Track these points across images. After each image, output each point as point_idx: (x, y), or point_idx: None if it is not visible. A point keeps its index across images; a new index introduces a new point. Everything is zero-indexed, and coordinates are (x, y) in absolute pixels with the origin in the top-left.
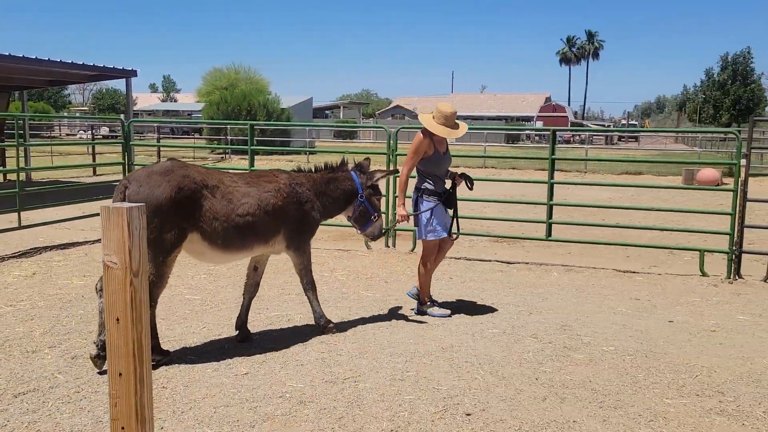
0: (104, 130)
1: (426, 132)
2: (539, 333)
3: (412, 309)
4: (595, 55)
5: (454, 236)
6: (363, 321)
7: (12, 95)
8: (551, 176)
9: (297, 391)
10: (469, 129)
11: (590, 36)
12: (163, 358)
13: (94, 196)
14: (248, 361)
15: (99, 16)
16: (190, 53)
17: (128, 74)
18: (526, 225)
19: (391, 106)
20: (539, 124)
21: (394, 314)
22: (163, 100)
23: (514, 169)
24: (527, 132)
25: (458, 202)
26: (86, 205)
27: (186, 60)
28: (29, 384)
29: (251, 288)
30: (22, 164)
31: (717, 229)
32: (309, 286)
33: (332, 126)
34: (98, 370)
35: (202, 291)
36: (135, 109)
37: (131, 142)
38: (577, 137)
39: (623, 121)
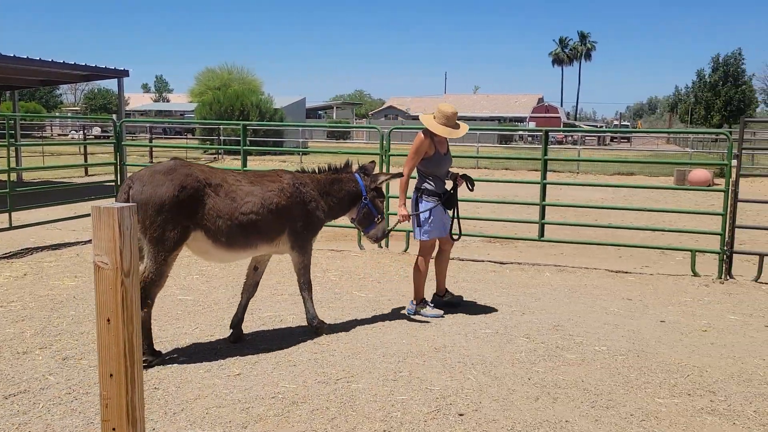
0: (96, 131)
1: (427, 132)
2: (532, 333)
3: (405, 309)
4: (588, 56)
5: (455, 237)
6: (356, 321)
7: (3, 95)
8: (544, 177)
9: (290, 392)
10: None
11: (582, 37)
12: (155, 358)
13: (85, 197)
14: (241, 362)
15: (91, 16)
16: (182, 53)
17: (120, 74)
18: (519, 225)
19: (384, 106)
20: (532, 125)
21: (386, 314)
22: (155, 100)
23: (506, 169)
24: (520, 133)
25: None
26: (78, 206)
27: (179, 60)
28: (20, 385)
29: (250, 288)
30: (13, 164)
31: (708, 229)
32: (306, 285)
33: (325, 126)
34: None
35: (194, 291)
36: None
37: (123, 143)
38: (570, 138)
39: (615, 122)
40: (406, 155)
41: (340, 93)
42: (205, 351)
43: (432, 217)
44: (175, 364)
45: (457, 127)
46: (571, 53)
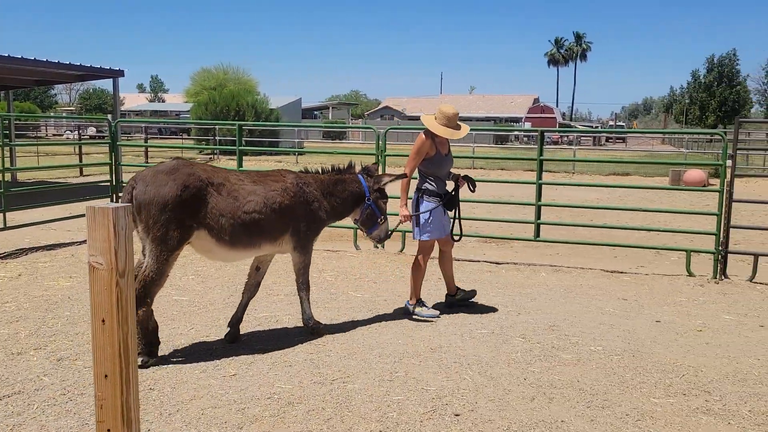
0: (91, 131)
1: (428, 133)
2: (527, 333)
3: (401, 309)
4: (583, 57)
5: (456, 238)
6: (352, 322)
7: None
8: (539, 177)
9: (285, 392)
10: None
11: (578, 38)
12: (150, 359)
13: (80, 197)
14: (236, 363)
15: (86, 16)
16: (178, 53)
17: (115, 74)
18: (515, 225)
19: (380, 106)
20: (527, 125)
21: (382, 315)
22: (150, 101)
23: (502, 169)
24: (516, 133)
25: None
26: (73, 206)
27: (174, 60)
28: (14, 386)
29: (252, 288)
30: (7, 164)
31: (703, 229)
32: (304, 285)
33: (321, 127)
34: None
35: (190, 292)
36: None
37: (118, 143)
38: (565, 138)
39: (611, 123)
40: (401, 155)
41: (336, 93)
42: (201, 351)
43: (432, 218)
44: (170, 365)
45: (458, 128)
46: (567, 54)
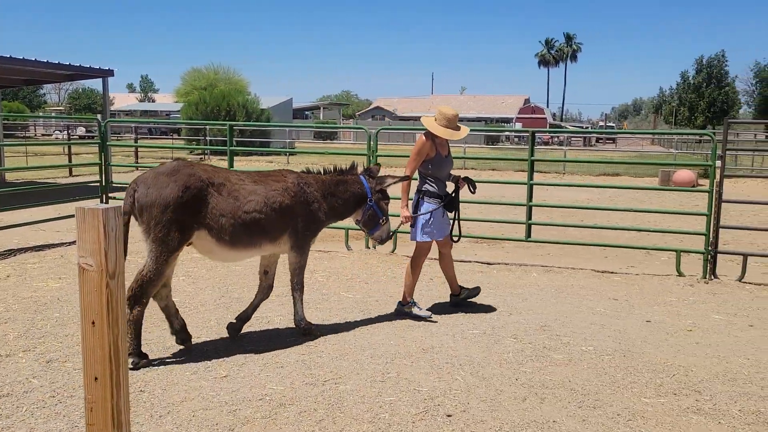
0: (80, 131)
1: (428, 134)
2: (519, 333)
3: (393, 310)
4: (573, 58)
5: (455, 239)
6: (343, 322)
7: None
8: (531, 177)
9: (277, 394)
10: None
11: (568, 38)
12: (140, 360)
13: (70, 197)
14: (227, 364)
15: (76, 16)
16: (168, 53)
17: (105, 74)
18: (506, 226)
19: (372, 107)
20: (518, 126)
21: (374, 315)
22: (140, 100)
23: (493, 170)
24: (506, 133)
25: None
26: (62, 207)
27: (164, 60)
28: (2, 389)
29: (265, 289)
30: None
31: (693, 229)
32: (298, 286)
33: (312, 127)
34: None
35: (181, 293)
36: (112, 109)
37: (108, 143)
38: (556, 139)
39: (601, 123)
40: (393, 156)
41: (327, 93)
42: (192, 353)
43: (432, 219)
44: (161, 366)
45: (458, 129)
46: (557, 54)
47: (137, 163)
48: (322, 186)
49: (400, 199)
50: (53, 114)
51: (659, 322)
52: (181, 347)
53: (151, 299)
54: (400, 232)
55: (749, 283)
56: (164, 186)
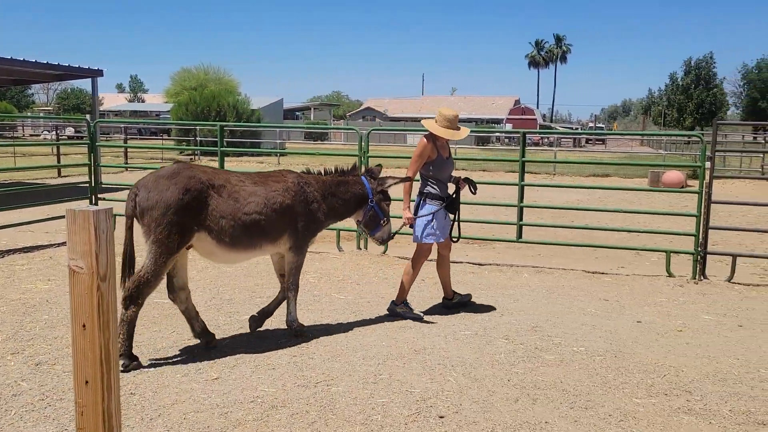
0: (69, 131)
1: (430, 137)
2: (511, 334)
3: (385, 311)
4: (563, 59)
5: (455, 240)
6: (335, 324)
7: None
8: (522, 178)
9: (269, 396)
10: None
11: (558, 40)
12: (131, 362)
13: (58, 198)
14: (219, 366)
15: (64, 15)
16: (158, 53)
17: (94, 74)
18: (497, 227)
19: (362, 107)
20: (509, 127)
21: (366, 317)
22: (130, 101)
23: (484, 171)
24: (497, 134)
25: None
26: (51, 208)
27: (154, 60)
28: None
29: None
30: None
31: (682, 230)
32: (293, 286)
33: (303, 127)
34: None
35: None
36: (101, 109)
37: (97, 143)
38: (546, 140)
39: (590, 124)
40: (384, 156)
41: (317, 94)
42: (183, 355)
43: (434, 221)
44: (152, 369)
45: (458, 129)
46: (547, 56)
47: (127, 163)
48: (322, 186)
49: (401, 200)
50: (41, 114)
51: (650, 323)
52: (172, 349)
53: (149, 301)
54: (400, 234)
55: (738, 283)
56: (165, 189)
